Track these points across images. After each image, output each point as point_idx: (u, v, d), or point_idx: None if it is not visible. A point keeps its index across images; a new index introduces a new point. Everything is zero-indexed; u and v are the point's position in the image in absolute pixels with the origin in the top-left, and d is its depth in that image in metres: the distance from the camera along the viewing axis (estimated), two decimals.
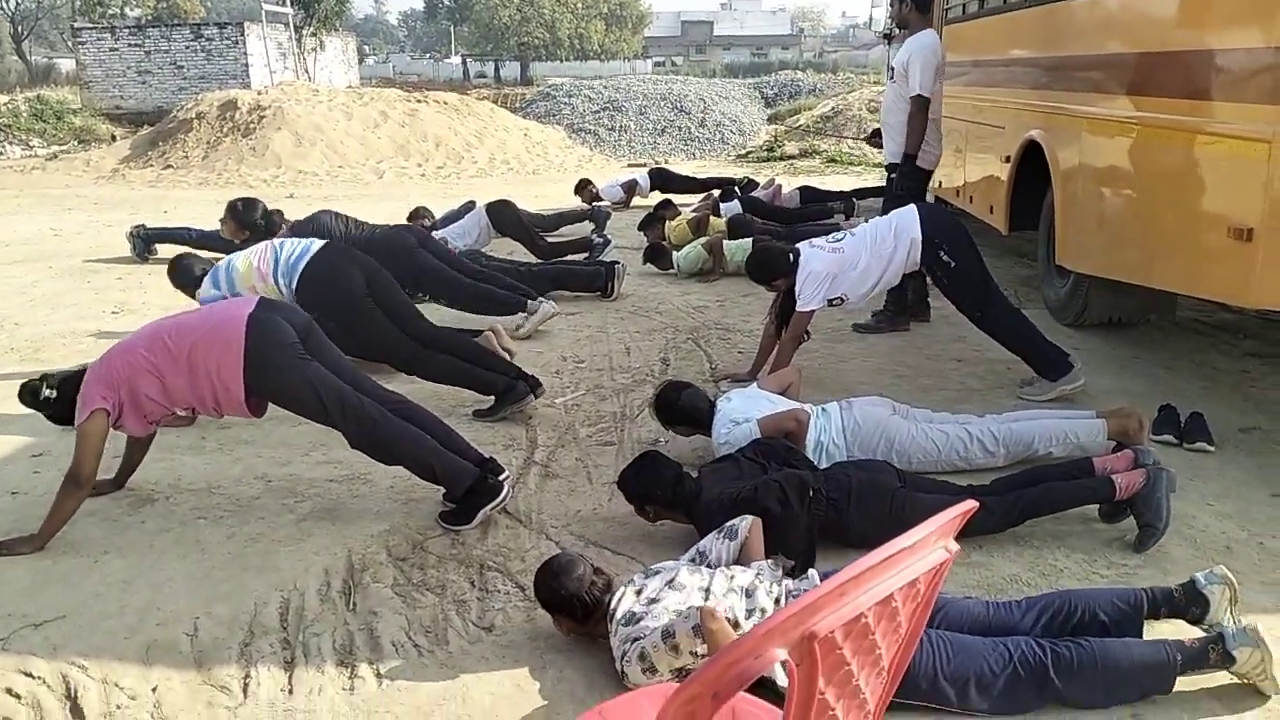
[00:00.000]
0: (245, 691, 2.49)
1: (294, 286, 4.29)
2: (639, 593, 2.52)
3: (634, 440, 4.10)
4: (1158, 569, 2.92)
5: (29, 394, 3.39)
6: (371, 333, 4.34)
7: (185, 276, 4.75)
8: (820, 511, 3.00)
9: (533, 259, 7.42)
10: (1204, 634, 2.42)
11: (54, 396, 3.34)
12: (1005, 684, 2.28)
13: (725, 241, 7.52)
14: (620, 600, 2.51)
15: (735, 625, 2.36)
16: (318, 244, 4.43)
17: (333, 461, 3.92)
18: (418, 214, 7.97)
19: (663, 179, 11.46)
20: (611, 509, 3.47)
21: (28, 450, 4.13)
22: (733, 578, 2.55)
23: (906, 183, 5.61)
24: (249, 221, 5.52)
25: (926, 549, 1.21)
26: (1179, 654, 2.32)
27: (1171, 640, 2.38)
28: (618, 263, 6.86)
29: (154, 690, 2.50)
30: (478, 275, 5.75)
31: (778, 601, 2.48)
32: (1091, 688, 2.28)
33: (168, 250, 8.70)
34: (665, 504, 3.14)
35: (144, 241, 8.30)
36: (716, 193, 10.00)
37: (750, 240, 7.22)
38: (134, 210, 11.17)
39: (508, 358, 4.72)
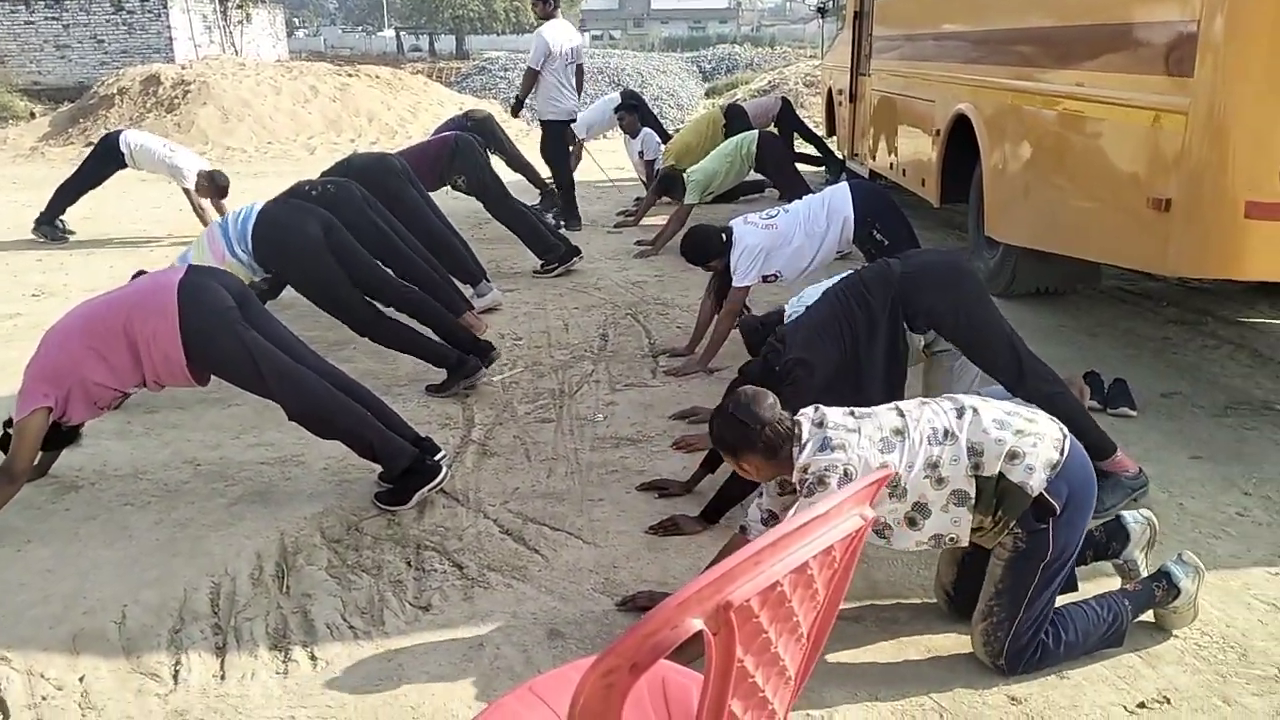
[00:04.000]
0: (176, 679, 2.45)
1: (250, 249, 4.20)
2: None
3: (572, 416, 4.10)
4: None
5: None
6: (329, 288, 4.24)
7: None
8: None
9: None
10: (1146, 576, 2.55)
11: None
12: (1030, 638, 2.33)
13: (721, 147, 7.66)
14: (817, 415, 2.29)
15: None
16: (260, 203, 4.35)
17: (264, 444, 3.86)
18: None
19: None
20: (550, 485, 3.47)
21: None
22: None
23: (547, 138, 7.79)
24: None
25: (841, 516, 1.23)
26: (1127, 600, 2.45)
27: (1116, 592, 2.50)
28: None
29: (81, 680, 2.45)
30: (451, 230, 5.76)
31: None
32: (1060, 659, 2.38)
33: (86, 230, 8.48)
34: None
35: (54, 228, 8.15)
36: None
37: (755, 133, 7.58)
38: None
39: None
